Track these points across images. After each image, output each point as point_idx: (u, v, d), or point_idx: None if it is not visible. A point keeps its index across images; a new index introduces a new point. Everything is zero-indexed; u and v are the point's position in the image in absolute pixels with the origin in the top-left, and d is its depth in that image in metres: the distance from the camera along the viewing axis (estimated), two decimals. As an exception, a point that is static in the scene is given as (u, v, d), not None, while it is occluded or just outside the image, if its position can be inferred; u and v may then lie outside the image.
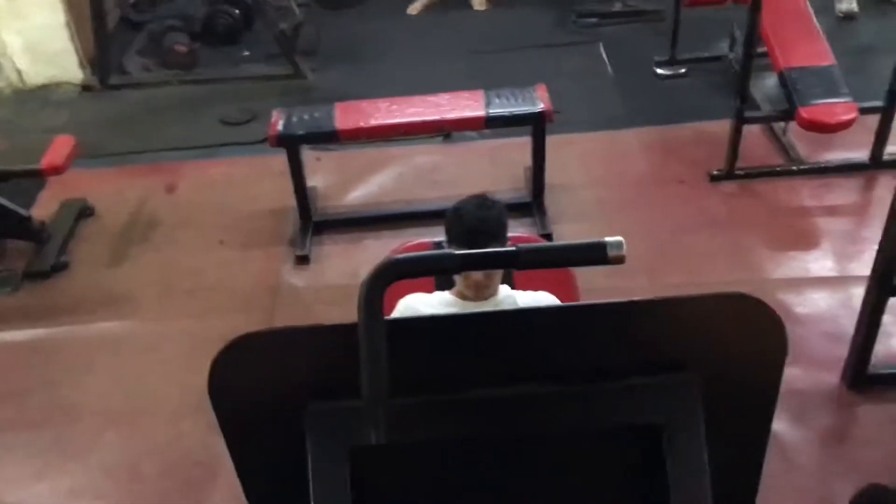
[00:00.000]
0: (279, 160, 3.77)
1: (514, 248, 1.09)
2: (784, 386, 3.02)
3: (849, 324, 2.98)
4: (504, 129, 3.98)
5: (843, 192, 3.92)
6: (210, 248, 3.82)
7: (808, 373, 2.96)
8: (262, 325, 3.33)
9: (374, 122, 3.57)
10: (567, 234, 3.70)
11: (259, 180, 4.23)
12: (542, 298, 2.25)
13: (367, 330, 1.03)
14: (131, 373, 3.22)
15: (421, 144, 4.34)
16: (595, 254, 1.08)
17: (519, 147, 3.94)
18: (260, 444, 1.19)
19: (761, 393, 1.19)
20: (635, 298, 1.15)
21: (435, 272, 1.13)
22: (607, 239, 1.09)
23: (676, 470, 1.14)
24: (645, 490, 1.19)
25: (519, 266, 1.10)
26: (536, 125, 3.62)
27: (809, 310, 3.25)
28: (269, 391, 1.17)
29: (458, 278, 2.23)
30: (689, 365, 1.15)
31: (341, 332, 1.13)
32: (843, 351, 2.92)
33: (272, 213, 4.00)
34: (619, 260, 1.08)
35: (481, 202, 2.18)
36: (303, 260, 3.66)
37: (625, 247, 1.09)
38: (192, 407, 2.91)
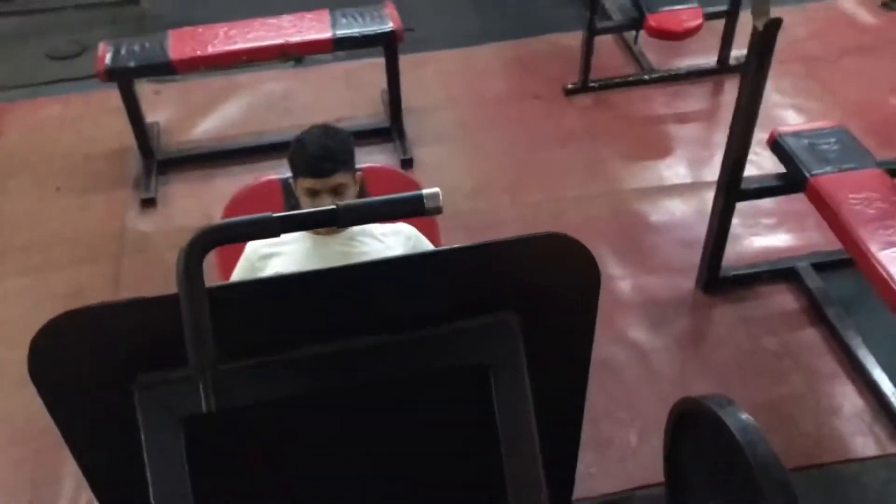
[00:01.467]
0: (115, 95, 3.49)
1: (333, 207, 1.09)
2: (643, 294, 3.12)
3: (702, 230, 3.06)
4: (358, 51, 3.83)
5: (693, 99, 4.00)
6: (46, 197, 3.54)
7: (664, 280, 3.05)
8: (109, 277, 3.17)
9: (211, 49, 3.33)
10: (428, 157, 3.63)
11: (95, 119, 3.92)
12: (402, 228, 2.20)
13: (189, 299, 1.00)
14: (-34, 339, 2.97)
15: (271, 70, 4.13)
16: (413, 207, 1.11)
17: (375, 69, 3.80)
18: (91, 424, 1.14)
19: (579, 326, 1.25)
20: (456, 245, 1.18)
21: (254, 237, 1.07)
22: (423, 191, 1.11)
23: (503, 407, 1.19)
24: (478, 428, 1.20)
25: (339, 224, 1.09)
26: (388, 45, 3.48)
27: (665, 217, 3.33)
28: (93, 369, 1.12)
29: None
30: (510, 306, 1.19)
31: (164, 303, 1.06)
32: (696, 256, 3.01)
33: (112, 153, 3.73)
34: (436, 211, 1.13)
35: (325, 130, 2.13)
36: (149, 203, 3.44)
37: (440, 198, 1.12)
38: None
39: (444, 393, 1.21)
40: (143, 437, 1.10)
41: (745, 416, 1.50)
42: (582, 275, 1.19)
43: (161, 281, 3.11)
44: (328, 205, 1.97)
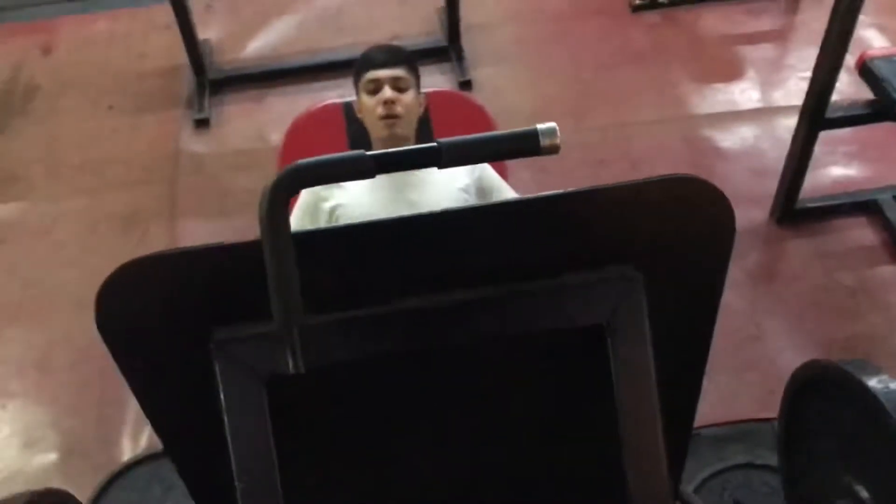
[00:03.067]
0: (164, 10, 3.37)
1: (435, 145, 0.95)
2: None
3: (775, 157, 2.92)
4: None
5: (767, 17, 3.77)
6: (98, 116, 3.48)
7: (736, 210, 2.91)
8: (164, 198, 3.12)
9: None
10: (486, 79, 3.48)
11: (144, 35, 3.82)
12: (466, 159, 2.11)
13: (274, 247, 0.88)
14: (25, 261, 2.96)
15: (324, -16, 3.97)
16: (526, 144, 0.96)
17: (430, -16, 3.64)
18: (163, 380, 1.05)
19: (707, 284, 1.09)
20: (571, 189, 1.02)
21: (345, 177, 0.95)
22: (539, 127, 0.96)
23: (621, 373, 1.06)
24: (590, 395, 1.10)
25: (442, 164, 0.96)
26: None
27: (737, 144, 3.17)
28: (166, 323, 1.02)
29: (373, 137, 2.06)
30: (630, 259, 1.05)
31: (244, 250, 0.97)
32: (770, 185, 2.87)
33: (164, 71, 3.64)
34: (553, 150, 0.96)
35: (389, 47, 2.13)
36: (202, 123, 3.36)
37: (558, 135, 0.96)
38: (96, 290, 2.72)
39: (551, 355, 1.11)
40: (221, 397, 1.02)
41: (896, 385, 1.34)
42: (715, 225, 1.04)
43: (217, 204, 3.07)
44: (390, 98, 1.96)
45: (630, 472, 1.07)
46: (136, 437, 2.40)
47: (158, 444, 1.68)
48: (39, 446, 2.44)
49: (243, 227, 2.88)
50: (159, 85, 3.58)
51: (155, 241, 2.95)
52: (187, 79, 3.54)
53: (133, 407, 2.44)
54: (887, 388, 1.30)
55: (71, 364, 2.63)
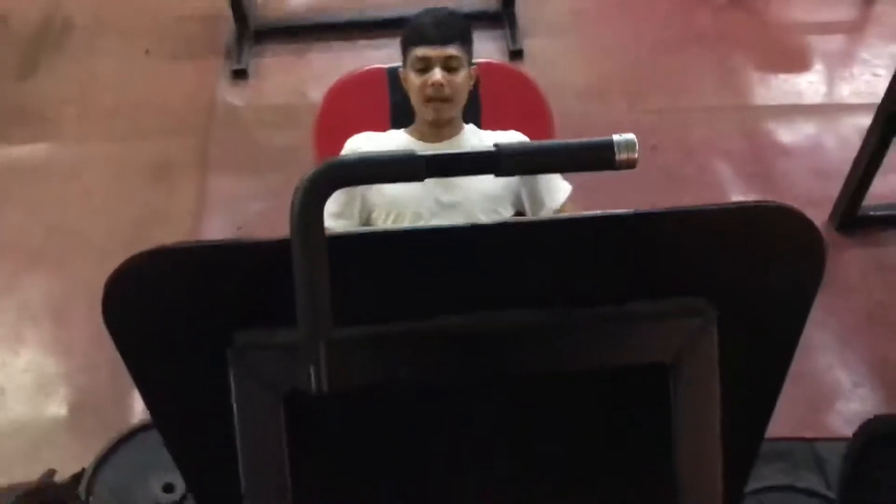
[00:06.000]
0: None
1: (493, 151, 0.81)
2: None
3: (840, 158, 2.75)
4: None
5: (841, 7, 3.55)
6: (134, 59, 3.37)
7: (793, 212, 2.75)
8: (197, 151, 3.01)
9: None
10: (539, 50, 3.32)
11: (188, -22, 3.70)
12: (514, 137, 1.96)
13: (305, 252, 0.77)
14: (51, 204, 2.88)
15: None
16: (599, 157, 0.81)
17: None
18: (171, 383, 0.94)
19: (788, 323, 0.95)
20: (643, 209, 0.88)
21: (392, 178, 0.82)
22: (616, 138, 0.81)
23: (683, 413, 0.94)
24: (645, 435, 0.97)
25: (499, 172, 0.81)
26: None
27: (799, 141, 2.99)
28: (178, 321, 0.91)
29: (417, 115, 1.92)
30: (703, 290, 0.92)
31: (270, 249, 0.85)
32: (831, 187, 2.70)
33: (205, 18, 3.51)
34: (629, 165, 0.81)
35: (441, 9, 1.94)
36: (240, 74, 3.24)
37: (637, 148, 0.81)
38: (122, 241, 2.64)
39: (604, 391, 0.97)
40: (234, 410, 0.91)
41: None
42: (803, 261, 0.91)
43: (250, 161, 2.96)
44: (439, 79, 1.81)
45: None
46: (148, 399, 2.32)
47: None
48: (51, 399, 2.38)
49: (276, 187, 2.78)
50: (199, 31, 3.47)
51: (184, 195, 2.85)
52: (228, 27, 3.41)
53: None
54: None
55: (88, 317, 2.52)
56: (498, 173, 0.81)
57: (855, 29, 3.49)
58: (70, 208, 2.86)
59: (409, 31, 1.91)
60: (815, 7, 3.52)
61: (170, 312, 0.89)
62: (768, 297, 0.92)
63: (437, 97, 1.84)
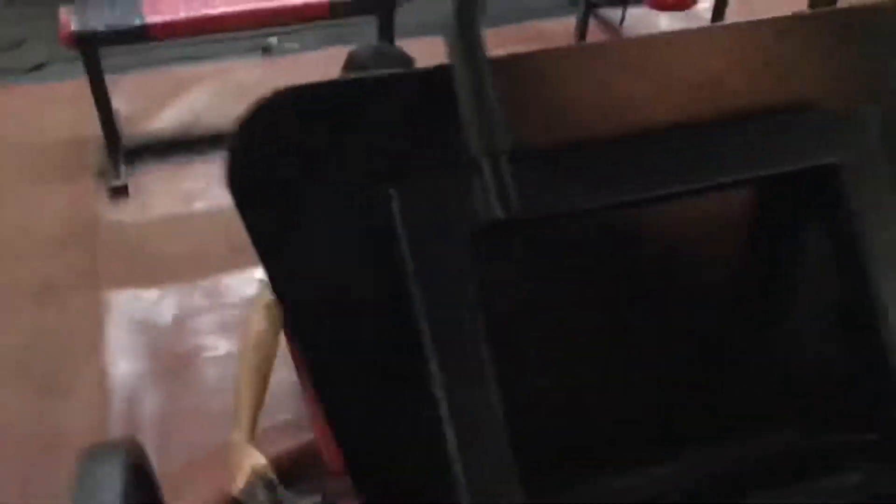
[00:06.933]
0: (64, 86, 3.28)
1: None
2: None
3: None
4: (331, 36, 3.63)
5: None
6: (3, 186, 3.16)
7: None
8: (85, 269, 2.81)
9: (194, 13, 2.94)
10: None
11: (44, 110, 3.55)
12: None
13: (468, 67, 0.72)
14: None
15: (236, 60, 3.86)
16: None
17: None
18: (315, 249, 0.81)
19: None
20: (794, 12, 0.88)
21: None
22: None
23: (864, 212, 0.87)
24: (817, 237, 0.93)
25: None
26: (383, 13, 3.17)
27: None
28: (323, 169, 0.79)
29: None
30: (871, 95, 0.90)
31: (426, 80, 0.77)
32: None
33: (69, 143, 3.37)
34: None
35: (376, 49, 2.04)
36: (120, 192, 3.10)
37: None
38: (10, 371, 2.39)
39: (778, 195, 0.93)
40: (410, 266, 0.78)
41: None
42: None
43: (144, 272, 2.80)
44: None
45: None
46: None
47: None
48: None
49: (179, 298, 2.65)
50: (66, 156, 3.31)
51: (76, 314, 2.65)
52: (96, 150, 3.29)
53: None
54: None
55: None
56: None
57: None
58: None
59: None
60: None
61: (316, 160, 0.77)
62: None
63: None
